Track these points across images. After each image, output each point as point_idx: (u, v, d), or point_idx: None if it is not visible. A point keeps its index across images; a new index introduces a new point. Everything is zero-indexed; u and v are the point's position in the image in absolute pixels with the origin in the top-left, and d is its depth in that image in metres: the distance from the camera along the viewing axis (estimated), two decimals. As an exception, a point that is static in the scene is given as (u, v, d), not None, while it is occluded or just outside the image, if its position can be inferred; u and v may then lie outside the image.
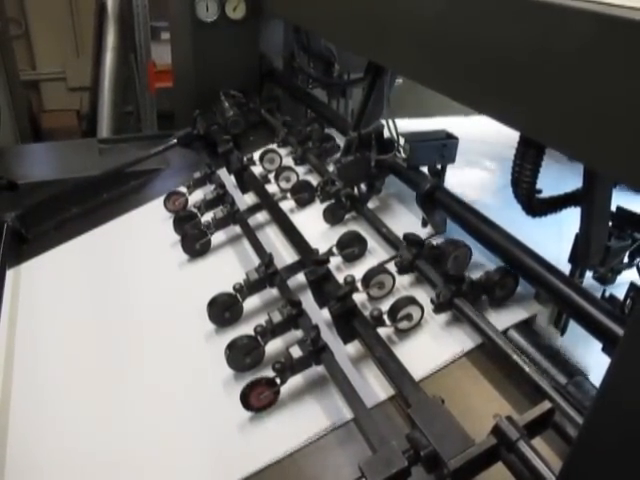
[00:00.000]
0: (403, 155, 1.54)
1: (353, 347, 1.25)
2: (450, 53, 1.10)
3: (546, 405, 0.90)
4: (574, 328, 1.22)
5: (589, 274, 1.30)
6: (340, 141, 1.91)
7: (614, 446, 0.64)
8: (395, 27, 1.29)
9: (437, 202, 1.43)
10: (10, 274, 1.79)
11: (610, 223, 1.23)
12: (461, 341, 1.23)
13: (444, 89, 1.15)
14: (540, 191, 1.16)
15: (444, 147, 1.50)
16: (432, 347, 1.24)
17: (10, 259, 1.84)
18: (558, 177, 1.42)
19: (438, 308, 1.23)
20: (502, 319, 1.24)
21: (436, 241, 1.40)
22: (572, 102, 0.85)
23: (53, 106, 5.00)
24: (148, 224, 1.88)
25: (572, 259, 1.27)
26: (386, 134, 1.57)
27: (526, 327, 1.25)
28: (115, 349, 1.45)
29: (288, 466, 1.10)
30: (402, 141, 1.53)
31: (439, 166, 1.51)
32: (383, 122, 1.54)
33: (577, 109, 0.85)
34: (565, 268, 1.26)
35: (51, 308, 1.65)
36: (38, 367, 1.45)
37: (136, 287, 1.65)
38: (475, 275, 1.28)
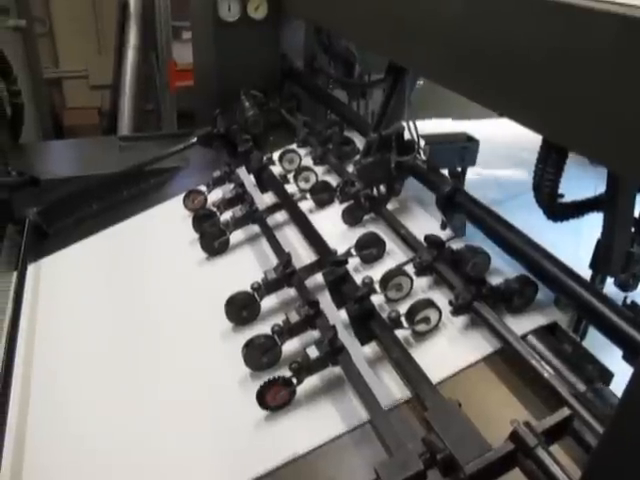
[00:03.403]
0: (423, 157, 1.53)
1: (369, 349, 1.24)
2: (472, 54, 1.10)
3: (565, 412, 0.89)
4: (593, 335, 1.21)
5: (610, 280, 1.29)
6: (360, 143, 1.91)
7: (636, 457, 0.63)
8: (417, 27, 1.29)
9: (457, 205, 1.42)
10: (31, 268, 1.81)
11: (633, 229, 1.22)
12: (479, 345, 1.22)
13: (465, 91, 1.15)
14: (562, 195, 1.14)
15: (465, 150, 1.50)
16: (449, 351, 1.23)
17: (31, 254, 1.87)
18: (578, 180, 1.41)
19: (456, 310, 1.23)
20: (521, 324, 1.22)
21: (455, 245, 1.39)
22: (597, 105, 0.84)
23: (75, 104, 5.06)
24: (167, 222, 1.89)
25: (593, 265, 1.26)
26: (407, 136, 1.57)
27: (545, 333, 1.23)
28: (132, 345, 1.46)
29: (302, 466, 1.09)
30: (422, 143, 1.53)
31: (459, 169, 1.50)
32: (404, 124, 1.54)
33: (602, 112, 0.84)
34: (583, 274, 1.25)
35: (70, 303, 1.67)
36: (57, 359, 1.46)
37: (154, 284, 1.66)
38: (494, 281, 1.27)
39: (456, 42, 1.15)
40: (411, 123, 1.53)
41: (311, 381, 1.18)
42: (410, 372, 1.08)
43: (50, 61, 4.95)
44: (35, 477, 1.18)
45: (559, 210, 1.17)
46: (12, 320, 1.53)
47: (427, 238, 1.36)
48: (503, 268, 1.38)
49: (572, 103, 0.88)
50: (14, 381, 1.36)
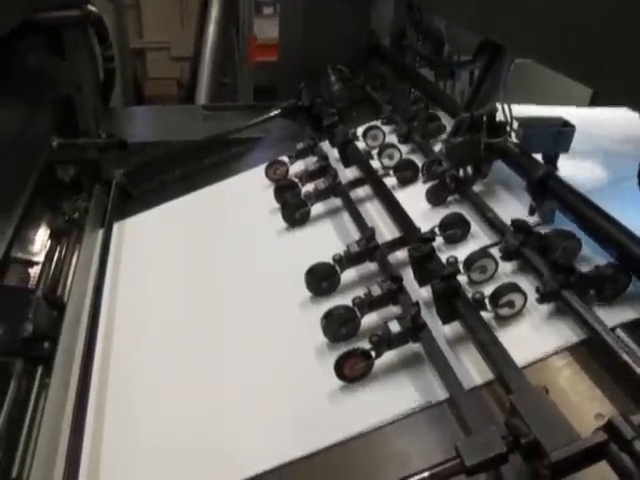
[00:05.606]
0: (515, 140, 1.49)
1: (448, 329, 1.23)
2: (584, 30, 1.04)
3: (661, 409, 0.86)
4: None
5: None
6: (446, 122, 1.88)
7: None
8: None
9: (549, 190, 1.37)
10: (116, 227, 1.88)
11: None
12: (564, 334, 1.18)
13: (574, 72, 1.09)
14: (670, 185, 1.09)
15: (560, 135, 1.45)
16: (532, 337, 1.20)
17: (116, 214, 1.94)
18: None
19: (543, 298, 1.19)
20: (609, 316, 1.18)
21: (543, 231, 1.35)
22: None
23: (156, 74, 5.20)
24: (248, 191, 1.92)
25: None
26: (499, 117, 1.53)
27: (635, 327, 1.18)
28: (210, 309, 1.49)
29: (376, 439, 1.09)
30: (515, 125, 1.49)
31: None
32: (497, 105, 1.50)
33: None
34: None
35: (151, 262, 1.73)
36: (137, 314, 1.52)
37: (233, 250, 1.69)
38: (583, 269, 1.23)
39: (566, 16, 1.09)
40: (505, 105, 1.49)
41: (388, 356, 1.18)
42: (495, 354, 1.06)
43: (135, 32, 5.08)
44: (114, 423, 1.23)
45: (665, 200, 1.11)
46: (98, 274, 1.59)
47: (515, 222, 1.32)
48: (593, 257, 1.33)
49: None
50: (100, 329, 1.43)
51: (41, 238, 1.76)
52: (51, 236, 1.78)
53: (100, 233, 1.85)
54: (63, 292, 1.59)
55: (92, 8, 1.94)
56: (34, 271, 1.63)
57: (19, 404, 1.20)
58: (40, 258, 1.67)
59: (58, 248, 1.75)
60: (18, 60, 1.84)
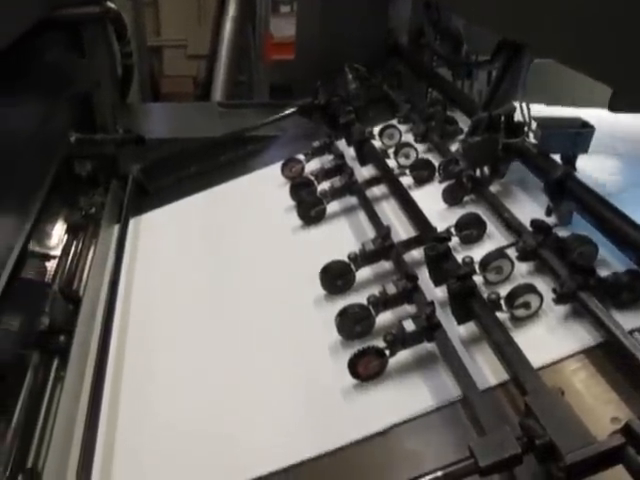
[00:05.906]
0: (533, 140, 1.48)
1: (462, 329, 1.22)
2: (610, 28, 1.03)
3: (679, 414, 0.85)
4: None
5: None
6: (463, 124, 1.87)
7: None
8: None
9: (567, 191, 1.36)
10: (132, 223, 1.90)
11: None
12: (580, 337, 1.17)
13: (599, 74, 1.08)
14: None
15: (578, 135, 1.44)
16: (548, 339, 1.19)
17: (132, 209, 1.95)
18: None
19: (560, 298, 1.18)
20: (627, 319, 1.17)
21: (560, 233, 1.34)
22: None
23: (172, 72, 5.21)
24: (264, 188, 1.92)
25: None
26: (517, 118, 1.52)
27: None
28: (224, 305, 1.50)
29: (390, 439, 1.09)
30: (534, 126, 1.48)
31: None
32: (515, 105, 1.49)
33: None
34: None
35: (166, 258, 1.74)
36: (151, 310, 1.53)
37: (248, 247, 1.69)
38: (600, 274, 1.21)
39: (587, 15, 1.08)
40: (524, 105, 1.48)
41: (402, 355, 1.18)
42: (510, 355, 1.05)
43: (152, 30, 5.10)
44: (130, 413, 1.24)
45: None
46: (114, 268, 1.61)
47: (533, 222, 1.31)
48: (610, 261, 1.32)
49: None
50: (114, 323, 1.44)
51: (58, 233, 1.78)
52: (68, 231, 1.80)
53: (116, 228, 1.87)
54: (79, 286, 1.61)
55: (111, 5, 1.96)
56: (51, 265, 1.64)
57: (35, 395, 1.21)
58: (57, 252, 1.69)
59: (74, 243, 1.76)
60: (37, 57, 1.86)
